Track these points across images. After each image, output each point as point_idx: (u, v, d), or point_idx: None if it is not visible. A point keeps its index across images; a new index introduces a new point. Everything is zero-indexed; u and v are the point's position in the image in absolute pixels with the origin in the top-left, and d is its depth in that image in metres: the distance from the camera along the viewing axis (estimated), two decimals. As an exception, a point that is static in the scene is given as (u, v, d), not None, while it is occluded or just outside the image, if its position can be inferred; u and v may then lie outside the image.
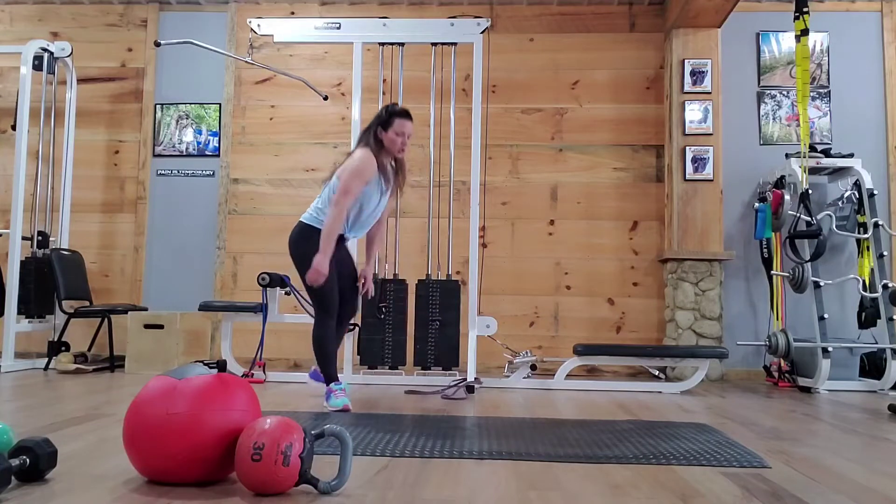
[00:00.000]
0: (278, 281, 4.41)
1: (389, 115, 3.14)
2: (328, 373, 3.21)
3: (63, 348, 4.88)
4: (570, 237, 5.25)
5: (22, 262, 4.83)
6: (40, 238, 5.06)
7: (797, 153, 4.63)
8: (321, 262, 3.03)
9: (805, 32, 4.20)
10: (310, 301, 3.38)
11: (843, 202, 4.77)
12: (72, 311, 4.78)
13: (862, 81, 5.20)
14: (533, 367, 4.34)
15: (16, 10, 5.61)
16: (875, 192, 4.61)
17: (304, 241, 3.17)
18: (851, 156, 4.75)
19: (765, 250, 4.93)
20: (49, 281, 4.88)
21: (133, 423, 1.78)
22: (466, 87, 5.30)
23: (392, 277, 4.42)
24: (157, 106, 5.48)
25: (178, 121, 5.47)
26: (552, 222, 5.27)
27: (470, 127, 4.62)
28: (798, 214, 4.39)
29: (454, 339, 4.28)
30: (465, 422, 2.90)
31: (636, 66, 5.33)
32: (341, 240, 3.25)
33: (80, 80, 5.48)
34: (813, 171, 4.74)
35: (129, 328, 4.65)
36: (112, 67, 5.56)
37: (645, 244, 5.22)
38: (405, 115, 3.17)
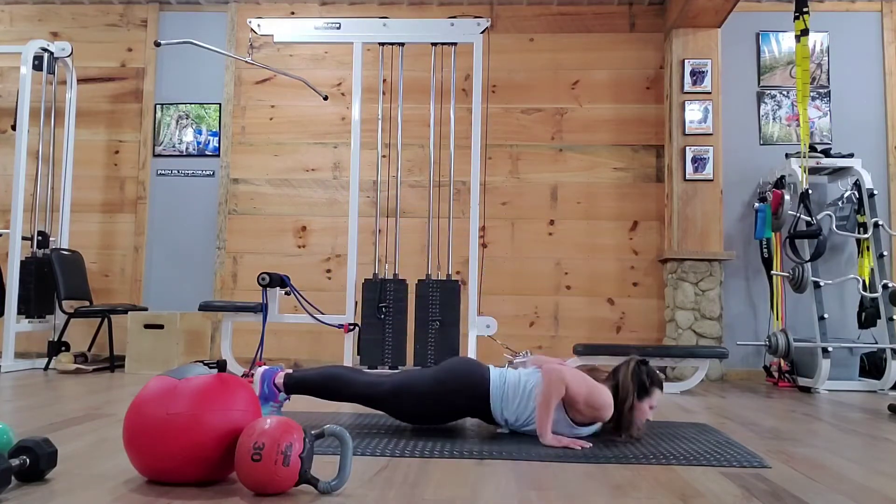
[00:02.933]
0: (278, 281, 4.41)
1: (652, 386, 2.56)
2: (294, 387, 2.68)
3: (63, 348, 4.88)
4: (570, 237, 5.24)
5: (22, 262, 4.82)
6: (40, 238, 5.06)
7: (797, 153, 4.63)
8: (551, 439, 2.42)
9: (805, 32, 4.20)
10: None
11: (843, 202, 4.76)
12: (72, 311, 4.78)
13: (862, 81, 5.20)
14: (533, 367, 4.33)
15: (16, 10, 5.61)
16: (875, 192, 4.60)
17: (467, 385, 2.55)
18: (851, 156, 4.75)
19: (765, 250, 4.93)
20: (49, 281, 4.88)
21: (133, 423, 1.77)
22: (466, 87, 5.30)
23: (392, 277, 4.42)
24: (157, 106, 5.48)
25: (178, 121, 5.47)
26: (552, 222, 5.27)
27: (470, 127, 4.61)
28: (798, 214, 4.39)
29: (454, 339, 4.28)
30: (465, 422, 2.89)
31: (636, 66, 5.33)
32: (488, 415, 2.60)
33: (80, 80, 5.48)
34: (813, 171, 4.73)
35: (129, 328, 4.65)
36: (112, 67, 5.56)
37: (645, 244, 5.22)
38: (662, 385, 2.64)
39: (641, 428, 2.58)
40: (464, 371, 2.58)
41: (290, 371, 2.71)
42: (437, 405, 2.57)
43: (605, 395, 2.46)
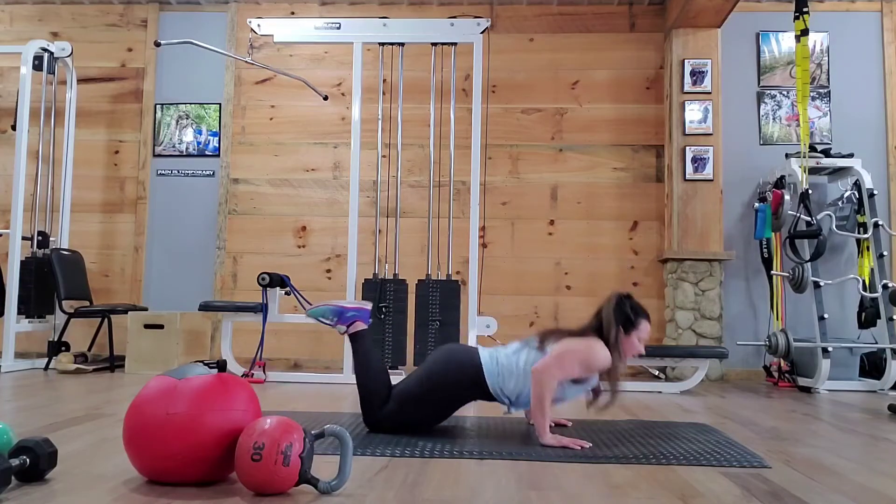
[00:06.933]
0: (278, 281, 4.41)
1: (638, 317, 2.58)
2: (353, 339, 2.72)
3: (63, 348, 4.88)
4: (570, 237, 5.24)
5: (22, 262, 4.82)
6: (40, 238, 5.06)
7: (797, 153, 4.63)
8: (549, 439, 2.39)
9: (805, 32, 4.20)
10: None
11: (843, 202, 4.76)
12: (72, 311, 4.78)
13: (862, 81, 5.20)
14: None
15: (16, 10, 5.61)
16: (875, 192, 4.61)
17: (461, 376, 2.54)
18: (851, 156, 4.75)
19: (765, 250, 4.93)
20: (49, 281, 4.88)
21: (133, 423, 1.77)
22: (466, 87, 5.30)
23: (392, 277, 4.42)
24: (157, 106, 5.48)
25: (178, 121, 5.47)
26: (552, 222, 5.27)
27: (470, 127, 4.61)
28: (798, 214, 4.39)
29: (454, 339, 4.28)
30: (465, 422, 2.90)
31: (636, 66, 5.33)
32: (489, 396, 2.59)
33: (80, 80, 5.48)
34: (813, 171, 4.74)
35: (129, 328, 4.65)
36: (112, 67, 5.55)
37: (645, 244, 5.22)
38: (649, 317, 2.65)
39: (632, 356, 2.59)
40: (455, 363, 2.57)
41: (363, 330, 2.71)
42: (440, 404, 2.58)
43: (598, 354, 2.46)
